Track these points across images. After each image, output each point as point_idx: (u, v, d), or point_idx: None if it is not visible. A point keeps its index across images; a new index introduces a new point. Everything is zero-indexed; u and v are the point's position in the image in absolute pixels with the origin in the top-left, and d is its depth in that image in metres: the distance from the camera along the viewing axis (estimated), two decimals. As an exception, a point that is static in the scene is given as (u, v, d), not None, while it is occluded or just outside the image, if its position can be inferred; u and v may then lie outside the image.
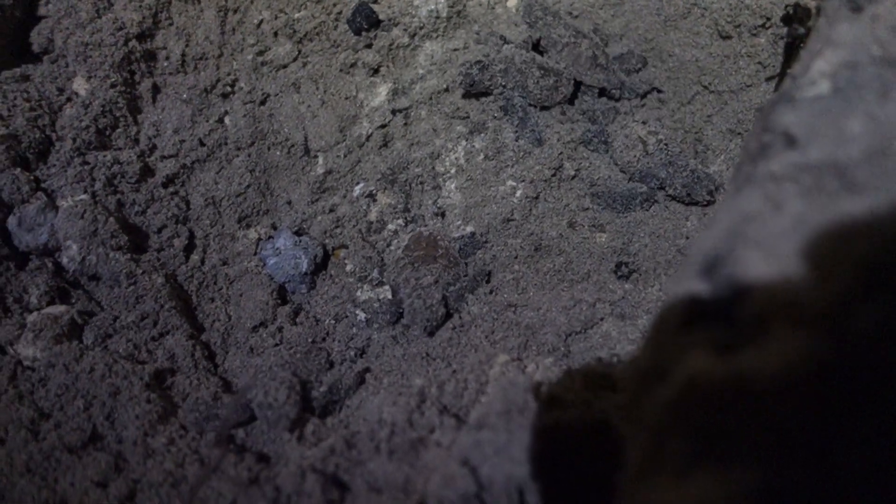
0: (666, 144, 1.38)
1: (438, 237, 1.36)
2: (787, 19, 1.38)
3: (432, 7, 1.55)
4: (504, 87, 1.47)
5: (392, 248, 1.43)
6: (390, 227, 1.45)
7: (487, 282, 1.35)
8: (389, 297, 1.34)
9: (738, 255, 0.59)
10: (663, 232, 1.33)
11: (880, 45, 0.65)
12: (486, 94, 1.49)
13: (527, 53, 1.46)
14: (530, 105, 1.46)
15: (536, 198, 1.40)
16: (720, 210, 0.74)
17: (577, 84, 1.49)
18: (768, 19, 1.42)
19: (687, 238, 1.31)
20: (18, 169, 1.31)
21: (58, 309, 1.25)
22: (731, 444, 0.47)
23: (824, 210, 0.56)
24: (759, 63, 1.43)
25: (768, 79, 1.42)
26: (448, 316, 1.30)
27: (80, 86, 1.46)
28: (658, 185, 1.36)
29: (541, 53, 1.52)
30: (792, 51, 1.34)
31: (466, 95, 1.49)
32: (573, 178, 1.41)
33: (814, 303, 0.50)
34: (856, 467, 0.43)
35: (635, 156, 1.37)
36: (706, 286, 0.61)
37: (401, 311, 1.32)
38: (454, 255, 1.35)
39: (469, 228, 1.40)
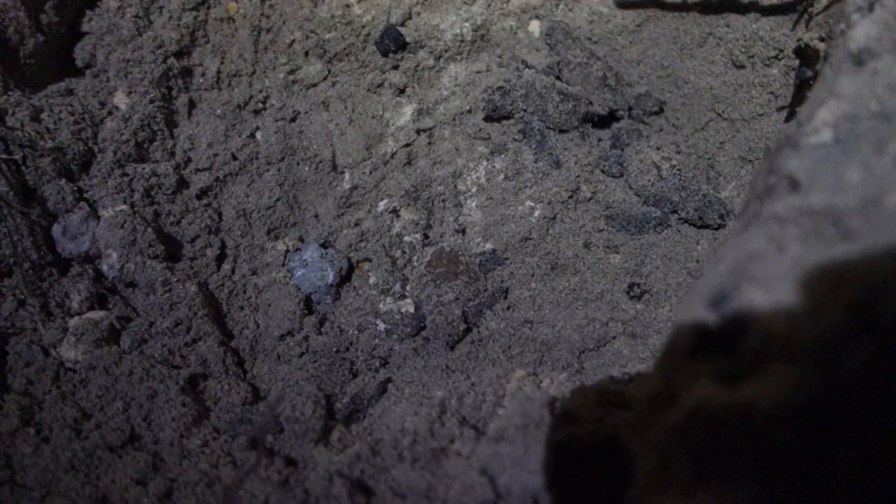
0: (679, 170, 1.43)
1: (460, 253, 1.42)
2: (799, 52, 1.43)
3: (457, 31, 1.62)
4: (524, 111, 1.53)
5: (414, 261, 1.49)
6: (412, 241, 1.51)
7: (505, 298, 1.41)
8: (412, 310, 1.40)
9: (742, 292, 0.65)
10: (675, 255, 1.39)
11: (878, 101, 0.71)
12: (508, 117, 1.56)
13: (547, 78, 1.52)
14: (549, 128, 1.53)
15: (554, 218, 1.46)
16: (728, 245, 0.80)
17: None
18: (781, 51, 1.48)
19: (697, 262, 1.36)
20: (63, 180, 1.38)
21: (98, 314, 1.32)
22: (732, 465, 0.53)
23: (821, 254, 0.62)
24: (772, 93, 1.49)
25: (779, 109, 1.48)
26: (468, 331, 1.36)
27: (120, 100, 1.53)
28: (671, 208, 1.42)
29: (559, 76, 1.59)
30: (800, 89, 1.39)
31: (488, 119, 1.56)
32: (589, 199, 1.48)
33: (808, 341, 0.56)
34: (841, 487, 0.48)
35: (649, 180, 1.43)
36: (713, 318, 0.67)
37: (423, 324, 1.38)
38: (475, 271, 1.41)
39: (489, 246, 1.46)
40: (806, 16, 1.44)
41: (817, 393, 0.53)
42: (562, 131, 1.52)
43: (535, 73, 1.52)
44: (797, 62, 1.45)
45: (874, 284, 0.55)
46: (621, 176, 1.49)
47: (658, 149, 1.49)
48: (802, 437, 0.52)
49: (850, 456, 0.51)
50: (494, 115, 1.53)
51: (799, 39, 1.43)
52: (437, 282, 1.38)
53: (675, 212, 1.44)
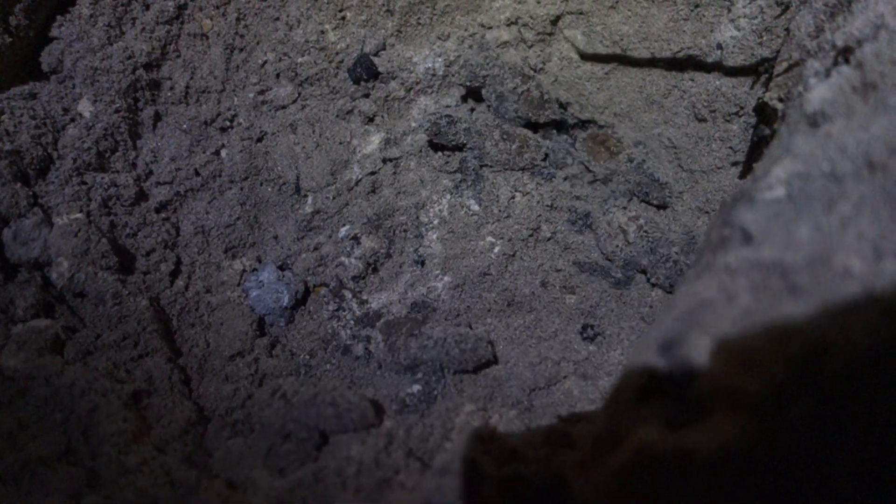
0: (646, 231, 1.46)
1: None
2: (758, 110, 1.48)
3: (430, 65, 1.64)
4: (464, 145, 1.56)
5: (370, 289, 1.49)
6: (371, 270, 1.51)
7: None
8: (364, 344, 1.39)
9: (690, 340, 0.66)
10: (629, 299, 1.41)
11: (829, 162, 0.73)
12: (455, 148, 1.58)
13: (489, 116, 1.55)
14: (485, 166, 1.55)
15: (513, 255, 1.47)
16: (680, 292, 0.81)
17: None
18: (742, 108, 1.53)
19: (651, 307, 1.38)
20: (19, 184, 1.35)
21: (42, 322, 1.28)
22: (670, 509, 0.54)
23: (768, 307, 0.63)
24: (731, 147, 1.53)
25: (735, 164, 1.52)
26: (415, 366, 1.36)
27: (84, 108, 1.51)
28: (640, 270, 1.44)
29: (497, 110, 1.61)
30: (758, 146, 1.44)
31: (431, 144, 1.58)
32: (549, 239, 1.49)
33: (752, 391, 0.57)
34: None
35: (618, 245, 1.45)
36: (662, 363, 0.68)
37: (371, 354, 1.38)
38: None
39: (447, 278, 1.47)
40: (765, 77, 1.49)
41: (759, 442, 0.54)
42: (509, 169, 1.54)
43: (482, 111, 1.55)
44: (756, 119, 1.49)
45: (818, 340, 0.56)
46: (589, 232, 1.51)
47: (624, 209, 1.52)
48: (743, 484, 0.53)
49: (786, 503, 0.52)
50: (436, 140, 1.55)
51: (759, 98, 1.47)
52: (393, 336, 1.37)
53: (645, 274, 1.45)
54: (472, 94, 1.64)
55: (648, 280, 1.44)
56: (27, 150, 1.39)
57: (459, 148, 1.58)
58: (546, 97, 1.60)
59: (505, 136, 1.53)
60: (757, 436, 0.54)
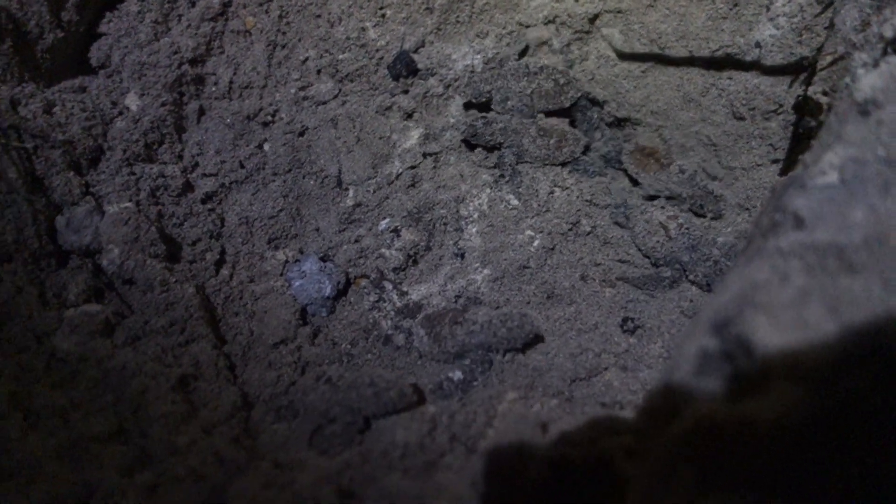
0: (687, 228, 1.47)
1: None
2: (797, 108, 1.48)
3: (468, 62, 1.66)
4: (501, 144, 1.57)
5: (410, 281, 1.51)
6: (411, 262, 1.53)
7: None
8: (405, 334, 1.41)
9: (746, 318, 0.67)
10: (669, 294, 1.42)
11: (884, 147, 0.74)
12: (492, 147, 1.59)
13: (528, 119, 1.57)
14: (525, 162, 1.56)
15: (552, 249, 1.49)
16: (730, 277, 0.82)
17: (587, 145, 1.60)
18: (780, 106, 1.53)
19: (691, 301, 1.39)
20: (72, 173, 1.39)
21: (94, 307, 1.32)
22: (733, 474, 0.55)
23: (825, 285, 0.64)
24: (770, 145, 1.53)
25: (774, 161, 1.52)
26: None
27: (132, 101, 1.55)
28: (681, 269, 1.44)
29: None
30: (800, 139, 1.44)
31: (466, 143, 1.60)
32: (588, 234, 1.51)
33: (810, 363, 0.58)
34: (835, 496, 0.51)
35: (658, 241, 1.46)
36: (715, 342, 0.69)
37: (412, 345, 1.40)
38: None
39: (486, 271, 1.49)
40: (805, 74, 1.50)
41: (819, 411, 0.55)
42: (548, 165, 1.55)
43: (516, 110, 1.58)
44: (795, 116, 1.50)
45: (879, 313, 0.57)
46: (629, 229, 1.52)
47: (662, 208, 1.52)
48: (804, 451, 0.54)
49: (848, 472, 0.53)
50: (473, 141, 1.57)
51: (799, 96, 1.48)
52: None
53: (685, 273, 1.46)
54: (482, 106, 1.66)
55: (687, 277, 1.44)
56: (79, 141, 1.42)
57: (497, 147, 1.60)
58: (563, 81, 1.61)
59: (542, 132, 1.55)
60: (817, 405, 0.55)
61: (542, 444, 0.95)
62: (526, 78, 1.59)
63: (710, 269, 1.42)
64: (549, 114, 1.60)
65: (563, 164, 1.55)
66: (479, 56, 1.69)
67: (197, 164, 1.56)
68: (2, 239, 1.28)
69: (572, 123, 1.67)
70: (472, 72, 1.68)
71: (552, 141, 1.53)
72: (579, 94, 1.62)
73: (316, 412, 1.17)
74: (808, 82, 1.41)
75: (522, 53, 1.72)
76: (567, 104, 1.60)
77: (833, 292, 0.64)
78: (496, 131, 1.57)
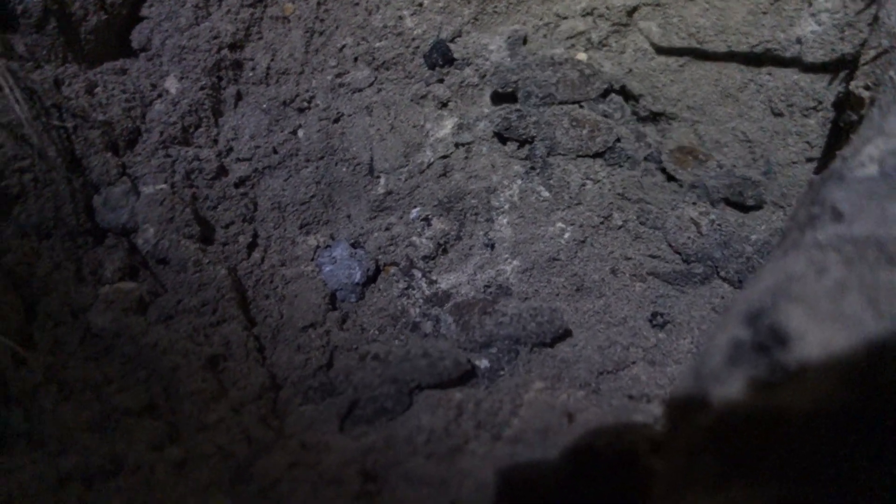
0: (719, 225, 1.45)
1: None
2: (837, 104, 1.46)
3: (505, 53, 1.66)
4: (535, 137, 1.56)
5: (440, 270, 1.51)
6: (441, 251, 1.53)
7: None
8: (432, 322, 1.42)
9: (781, 308, 0.67)
10: (701, 290, 1.40)
11: (927, 140, 0.73)
12: (529, 141, 1.59)
13: (558, 107, 1.55)
14: (558, 154, 1.55)
15: (583, 242, 1.48)
16: (765, 270, 0.81)
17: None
18: (820, 103, 1.51)
19: (722, 298, 1.38)
20: (109, 153, 1.42)
21: (128, 285, 1.34)
22: (761, 463, 0.54)
23: (864, 277, 0.63)
24: (807, 142, 1.51)
25: (810, 159, 1.50)
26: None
27: (171, 84, 1.57)
28: (713, 266, 1.42)
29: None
30: (840, 134, 1.42)
31: (499, 136, 1.59)
32: (620, 227, 1.50)
33: (848, 355, 0.58)
34: (868, 490, 0.50)
35: (689, 237, 1.44)
36: (748, 333, 0.69)
37: (440, 333, 1.40)
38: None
39: (516, 262, 1.48)
40: (846, 71, 1.47)
41: (856, 403, 0.54)
42: (581, 156, 1.54)
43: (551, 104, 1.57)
44: (835, 113, 1.47)
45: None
46: (659, 230, 1.50)
47: (694, 204, 1.51)
48: (836, 444, 0.53)
49: (882, 468, 0.52)
50: (506, 135, 1.57)
51: (839, 92, 1.46)
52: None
53: (717, 270, 1.44)
54: (508, 97, 1.65)
55: (718, 274, 1.42)
56: (118, 122, 1.45)
57: (530, 141, 1.59)
58: (588, 72, 1.60)
59: (574, 123, 1.54)
60: (853, 396, 0.54)
61: (568, 434, 0.94)
62: (551, 68, 1.58)
63: (742, 265, 1.40)
64: (578, 104, 1.59)
65: (597, 155, 1.54)
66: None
67: (231, 149, 1.57)
68: (41, 216, 1.30)
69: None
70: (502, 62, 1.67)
71: (584, 131, 1.52)
72: (606, 86, 1.61)
73: (368, 390, 1.18)
74: (850, 77, 1.39)
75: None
76: (593, 95, 1.59)
77: (872, 285, 0.63)
78: (529, 124, 1.56)
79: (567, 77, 1.57)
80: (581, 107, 1.60)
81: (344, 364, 1.32)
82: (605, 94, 1.62)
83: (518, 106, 1.59)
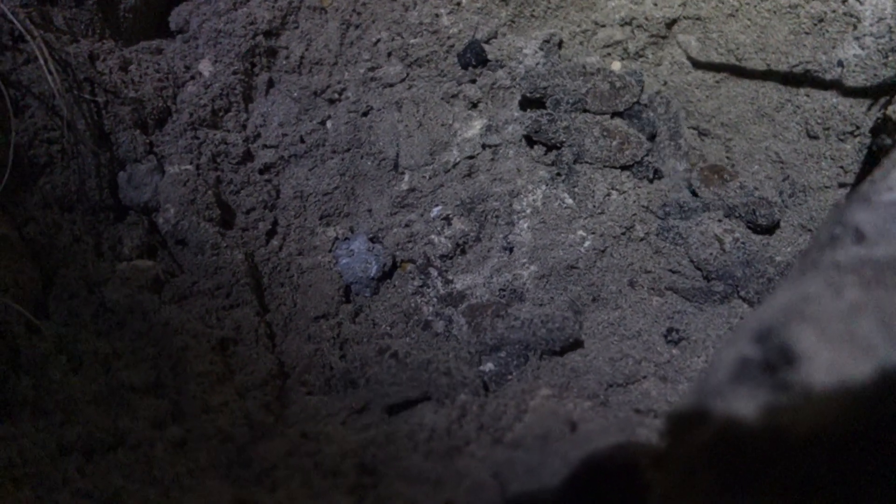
0: (743, 243, 1.42)
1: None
2: (875, 130, 1.42)
3: (539, 58, 1.64)
4: (563, 143, 1.55)
5: (456, 270, 1.50)
6: (459, 251, 1.52)
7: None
8: (444, 322, 1.41)
9: (792, 328, 0.64)
10: (719, 308, 1.37)
11: (959, 166, 0.70)
12: (553, 146, 1.57)
13: (589, 115, 1.54)
14: (585, 163, 1.53)
15: (603, 252, 1.46)
16: (781, 288, 0.79)
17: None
18: (857, 127, 1.47)
19: (740, 318, 1.35)
20: (138, 131, 1.43)
21: (146, 263, 1.35)
22: (759, 482, 0.53)
23: (880, 300, 0.61)
24: (841, 167, 1.48)
25: (842, 185, 1.47)
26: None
27: (205, 67, 1.58)
28: (734, 285, 1.39)
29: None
30: (874, 160, 1.38)
31: (528, 139, 1.58)
32: (641, 240, 1.47)
33: (856, 379, 0.55)
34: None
35: (712, 254, 1.41)
36: (757, 351, 0.67)
37: (451, 333, 1.39)
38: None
39: (533, 268, 1.47)
40: (886, 97, 1.44)
41: (860, 428, 0.52)
42: (609, 167, 1.53)
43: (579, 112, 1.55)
44: (871, 139, 1.44)
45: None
46: (682, 245, 1.48)
47: (719, 221, 1.48)
48: (837, 466, 0.51)
49: (883, 494, 0.50)
50: (536, 138, 1.56)
51: (878, 118, 1.42)
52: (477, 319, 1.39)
53: (737, 289, 1.40)
54: (536, 102, 1.64)
55: (738, 293, 1.39)
56: (149, 101, 1.46)
57: (558, 146, 1.58)
58: (619, 84, 1.58)
59: (605, 133, 1.52)
60: (859, 422, 0.52)
61: (569, 442, 0.93)
62: (582, 77, 1.57)
63: (763, 286, 1.37)
64: (612, 115, 1.57)
65: (624, 168, 1.52)
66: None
67: (259, 135, 1.58)
68: (66, 188, 1.32)
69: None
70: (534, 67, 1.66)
71: (615, 143, 1.50)
72: (635, 100, 1.59)
73: (381, 385, 1.18)
74: (889, 102, 1.35)
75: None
76: (621, 108, 1.57)
77: (888, 308, 0.60)
78: (560, 129, 1.55)
79: (597, 88, 1.56)
80: (612, 118, 1.58)
81: (361, 354, 1.31)
82: (632, 108, 1.60)
83: (549, 110, 1.57)
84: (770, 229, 1.49)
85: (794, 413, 0.56)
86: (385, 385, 1.20)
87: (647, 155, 1.52)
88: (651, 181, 1.54)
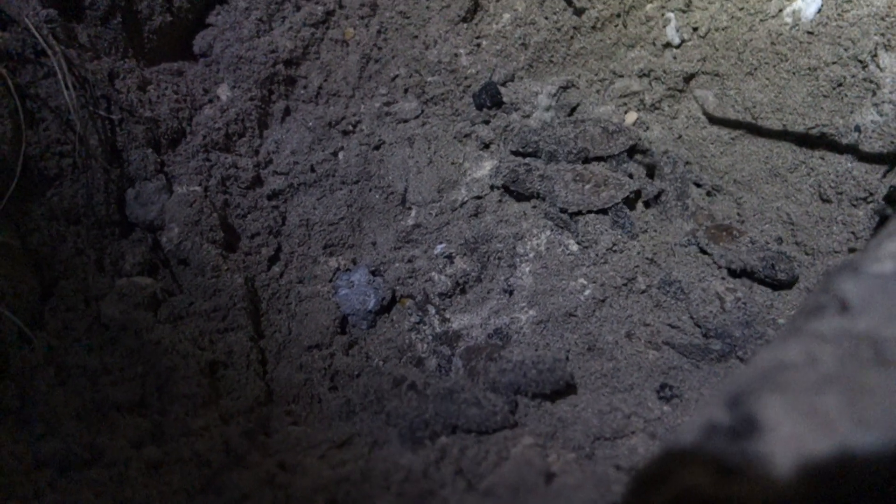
0: (744, 303, 1.39)
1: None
2: (888, 198, 1.40)
3: (554, 104, 1.65)
4: (538, 192, 1.54)
5: (454, 309, 1.49)
6: (459, 290, 1.52)
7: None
8: (438, 360, 1.40)
9: (761, 396, 0.63)
10: (715, 367, 1.35)
11: (948, 242, 0.69)
12: (536, 196, 1.57)
13: (558, 164, 1.54)
14: (567, 212, 1.52)
15: (603, 301, 1.44)
16: (761, 351, 0.77)
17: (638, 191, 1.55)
18: (871, 194, 1.45)
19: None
20: (150, 149, 1.45)
21: (145, 280, 1.36)
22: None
23: (852, 376, 0.59)
24: (852, 233, 1.45)
25: (852, 250, 1.44)
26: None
27: (223, 91, 1.60)
28: (731, 344, 1.36)
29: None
30: (879, 226, 1.36)
31: (504, 188, 1.60)
32: (642, 292, 1.46)
33: (818, 454, 0.54)
34: None
35: (711, 311, 1.39)
36: (726, 416, 0.65)
37: (444, 372, 1.38)
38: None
39: (532, 312, 1.45)
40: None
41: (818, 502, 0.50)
42: (588, 211, 1.52)
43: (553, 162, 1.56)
44: (883, 207, 1.42)
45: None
46: (682, 301, 1.46)
47: (723, 279, 1.46)
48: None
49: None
50: (512, 187, 1.57)
51: (892, 186, 1.40)
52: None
53: (735, 349, 1.37)
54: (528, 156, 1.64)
55: (736, 353, 1.36)
56: (164, 121, 1.48)
57: (535, 196, 1.57)
58: (612, 129, 1.57)
59: (577, 177, 1.52)
60: (816, 498, 0.50)
61: (541, 496, 0.91)
62: (572, 125, 1.57)
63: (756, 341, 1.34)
64: (596, 160, 1.58)
65: (601, 212, 1.51)
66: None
67: (271, 161, 1.59)
68: (73, 201, 1.33)
69: (650, 174, 1.64)
70: (554, 112, 1.67)
71: (587, 186, 1.49)
72: (632, 143, 1.58)
73: (405, 419, 1.16)
74: (899, 171, 1.34)
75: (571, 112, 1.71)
76: (616, 151, 1.56)
77: (857, 386, 0.59)
78: (535, 178, 1.55)
79: (587, 133, 1.56)
80: (590, 162, 1.58)
81: (374, 386, 1.30)
82: (630, 152, 1.60)
83: (527, 160, 1.58)
84: (790, 284, 1.46)
85: (750, 486, 0.54)
86: (409, 419, 1.17)
87: (635, 197, 1.52)
88: (636, 237, 1.52)
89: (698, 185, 1.66)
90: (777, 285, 1.46)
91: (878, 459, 0.52)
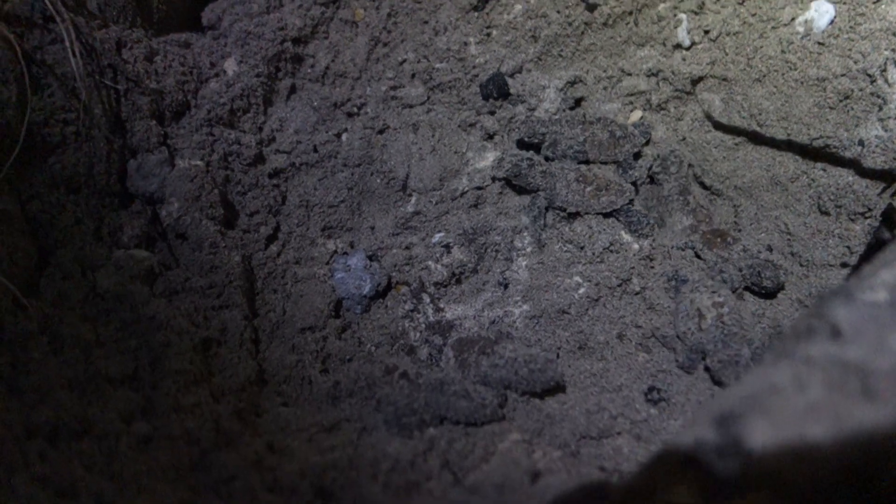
0: (724, 323, 1.37)
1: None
2: (886, 216, 1.41)
3: (560, 98, 1.64)
4: (539, 187, 1.55)
5: (449, 299, 1.50)
6: (454, 280, 1.52)
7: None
8: (429, 349, 1.41)
9: (748, 419, 0.64)
10: (703, 374, 1.36)
11: (943, 277, 0.69)
12: (535, 190, 1.57)
13: (566, 162, 1.54)
14: (555, 208, 1.53)
15: (597, 300, 1.45)
16: (751, 373, 0.78)
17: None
18: (869, 209, 1.46)
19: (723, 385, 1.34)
20: (154, 121, 1.44)
21: (142, 253, 1.36)
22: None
23: (838, 405, 0.60)
24: (848, 247, 1.46)
25: (844, 265, 1.45)
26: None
27: (230, 66, 1.59)
28: (701, 356, 1.36)
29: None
30: (873, 249, 1.37)
31: (506, 181, 1.60)
32: (636, 294, 1.47)
33: (798, 481, 0.55)
34: None
35: (690, 328, 1.39)
36: (713, 436, 0.66)
37: (435, 361, 1.39)
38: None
39: (525, 307, 1.46)
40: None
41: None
42: (585, 213, 1.53)
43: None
44: (879, 224, 1.42)
45: (881, 448, 0.53)
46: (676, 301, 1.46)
47: (713, 292, 1.44)
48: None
49: None
50: (514, 181, 1.57)
51: (890, 203, 1.41)
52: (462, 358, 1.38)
53: (704, 360, 1.37)
54: (534, 147, 1.64)
55: (707, 370, 1.36)
56: (169, 93, 1.47)
57: (536, 190, 1.58)
58: (619, 134, 1.58)
59: (580, 178, 1.52)
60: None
61: (525, 494, 0.92)
62: (581, 126, 1.57)
63: (731, 370, 1.32)
64: (602, 164, 1.58)
65: (605, 215, 1.52)
66: (571, 94, 1.68)
67: (274, 139, 1.59)
68: (74, 170, 1.33)
69: (652, 180, 1.64)
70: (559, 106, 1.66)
71: (589, 188, 1.50)
72: (636, 150, 1.58)
73: (393, 407, 1.18)
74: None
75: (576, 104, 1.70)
76: (620, 158, 1.57)
77: (842, 414, 0.60)
78: (537, 174, 1.55)
79: (595, 137, 1.56)
80: (598, 165, 1.58)
81: (365, 373, 1.31)
82: (635, 157, 1.60)
83: (530, 154, 1.58)
84: (774, 293, 1.47)
85: (732, 510, 0.55)
86: (401, 407, 1.19)
87: (629, 203, 1.53)
88: (646, 236, 1.53)
89: (703, 186, 1.66)
90: (763, 294, 1.47)
91: (857, 496, 0.53)
